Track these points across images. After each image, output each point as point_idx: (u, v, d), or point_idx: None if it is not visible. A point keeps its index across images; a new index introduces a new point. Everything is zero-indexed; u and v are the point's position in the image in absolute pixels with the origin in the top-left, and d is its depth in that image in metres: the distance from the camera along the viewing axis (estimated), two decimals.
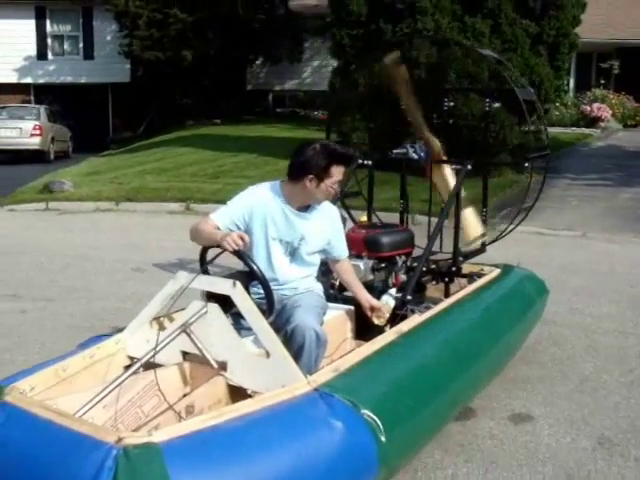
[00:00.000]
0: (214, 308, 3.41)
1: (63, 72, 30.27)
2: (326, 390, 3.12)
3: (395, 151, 5.11)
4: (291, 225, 3.82)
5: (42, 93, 29.80)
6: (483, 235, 5.31)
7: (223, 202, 10.64)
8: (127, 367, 3.69)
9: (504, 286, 4.91)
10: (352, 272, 4.18)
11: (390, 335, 3.76)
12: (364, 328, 4.20)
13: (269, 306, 3.57)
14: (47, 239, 10.69)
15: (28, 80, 30.08)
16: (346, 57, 15.34)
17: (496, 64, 5.36)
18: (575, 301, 6.92)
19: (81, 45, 30.67)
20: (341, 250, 4.09)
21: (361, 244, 4.47)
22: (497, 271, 5.07)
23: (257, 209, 3.79)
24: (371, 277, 4.53)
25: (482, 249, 5.36)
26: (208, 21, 26.30)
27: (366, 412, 3.08)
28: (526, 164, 4.84)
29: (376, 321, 4.09)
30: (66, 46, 30.68)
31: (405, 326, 3.89)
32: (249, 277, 3.59)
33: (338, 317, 4.10)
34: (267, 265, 3.78)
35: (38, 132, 22.95)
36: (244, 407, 2.95)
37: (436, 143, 5.20)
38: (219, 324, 3.41)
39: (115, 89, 30.37)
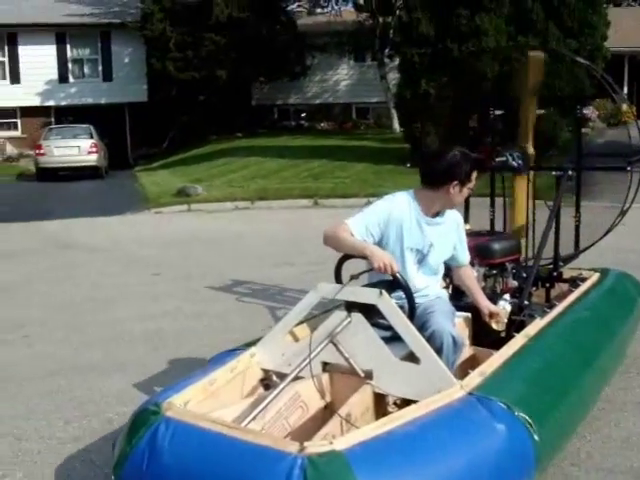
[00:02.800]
0: (358, 318, 3.42)
1: (84, 94, 30.67)
2: (481, 394, 3.14)
3: (497, 159, 5.11)
4: (422, 233, 3.81)
5: (62, 115, 30.08)
6: None
7: (344, 197, 13.28)
8: (262, 380, 3.71)
9: (607, 288, 4.95)
10: (474, 278, 4.19)
11: (521, 339, 3.79)
12: (479, 334, 4.22)
13: (411, 315, 3.57)
14: (239, 230, 12.62)
15: (50, 103, 30.47)
16: (415, 72, 17.29)
17: (593, 70, 5.36)
18: None
19: (100, 68, 31.03)
20: (465, 256, 4.11)
21: (472, 252, 4.46)
22: (597, 275, 5.11)
23: (394, 218, 3.77)
24: (483, 284, 4.53)
25: (576, 255, 5.36)
26: (237, 43, 27.29)
27: (520, 413, 3.10)
28: (628, 168, 4.83)
29: (495, 326, 4.10)
30: (86, 69, 31.10)
31: (531, 330, 3.93)
32: (389, 287, 3.57)
33: (457, 324, 4.10)
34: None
35: (95, 150, 23.74)
36: (410, 413, 2.98)
37: (531, 151, 5.20)
38: (364, 333, 3.41)
39: (132, 108, 30.77)
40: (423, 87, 16.42)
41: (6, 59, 29.94)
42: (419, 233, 3.81)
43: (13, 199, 18.18)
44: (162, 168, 24.01)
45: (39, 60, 29.73)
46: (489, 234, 4.96)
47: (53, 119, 30.26)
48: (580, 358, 3.91)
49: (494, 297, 4.42)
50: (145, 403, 3.27)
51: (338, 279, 3.78)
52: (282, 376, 3.50)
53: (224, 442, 2.84)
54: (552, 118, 13.87)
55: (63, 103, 30.56)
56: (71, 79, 30.76)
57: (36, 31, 29.46)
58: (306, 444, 2.68)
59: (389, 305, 3.36)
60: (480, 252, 4.48)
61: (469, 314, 4.21)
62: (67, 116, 29.37)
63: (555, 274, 5.00)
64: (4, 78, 29.99)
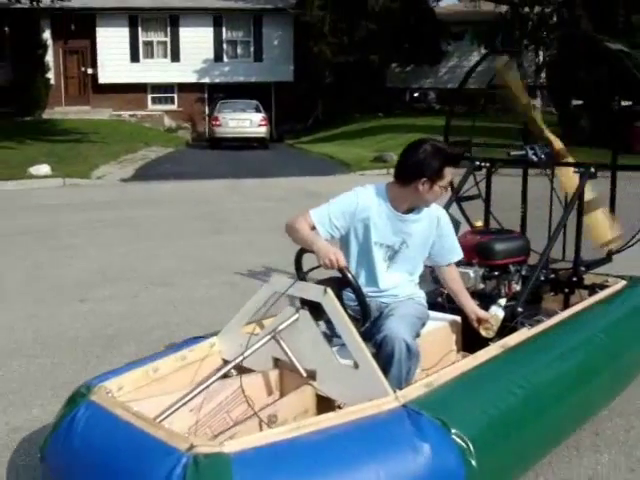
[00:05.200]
0: (305, 315, 3.11)
1: (236, 73, 31.55)
2: (414, 407, 2.74)
3: (513, 153, 4.57)
4: (393, 228, 3.42)
5: (214, 91, 31.11)
6: (612, 241, 4.65)
7: None
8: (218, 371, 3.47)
9: (629, 300, 4.23)
10: (459, 280, 3.72)
11: (494, 349, 3.30)
12: (474, 340, 3.73)
13: (363, 315, 3.22)
14: None
15: (205, 80, 31.51)
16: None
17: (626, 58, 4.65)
18: None
19: (252, 49, 31.71)
20: (447, 256, 3.64)
21: (472, 251, 3.99)
22: (623, 283, 4.39)
23: (360, 211, 3.39)
24: (481, 286, 4.06)
25: (608, 258, 4.71)
26: (385, 29, 27.99)
27: (456, 432, 2.67)
28: None
29: (483, 333, 3.64)
30: (239, 50, 31.83)
31: (512, 340, 3.41)
32: (343, 283, 3.23)
33: (442, 327, 3.69)
34: (368, 271, 3.42)
35: (264, 123, 24.93)
36: (326, 420, 2.65)
37: (558, 143, 4.62)
38: (309, 332, 3.10)
39: (278, 87, 31.48)
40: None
41: (168, 39, 31.09)
42: (389, 228, 3.41)
43: (215, 163, 19.65)
44: (319, 142, 24.70)
45: (197, 41, 30.82)
46: (495, 232, 4.42)
47: (206, 95, 31.35)
48: (562, 381, 3.32)
49: (489, 302, 3.92)
50: (81, 385, 3.11)
51: (299, 271, 3.46)
52: (240, 368, 3.26)
53: (126, 432, 2.67)
54: None
55: (217, 80, 31.50)
56: (225, 59, 31.73)
57: (196, 14, 30.64)
58: (197, 442, 2.44)
59: (332, 304, 3.01)
60: (480, 251, 3.99)
61: (458, 318, 3.77)
62: (219, 92, 30.11)
63: (575, 279, 4.37)
64: (165, 57, 31.11)
